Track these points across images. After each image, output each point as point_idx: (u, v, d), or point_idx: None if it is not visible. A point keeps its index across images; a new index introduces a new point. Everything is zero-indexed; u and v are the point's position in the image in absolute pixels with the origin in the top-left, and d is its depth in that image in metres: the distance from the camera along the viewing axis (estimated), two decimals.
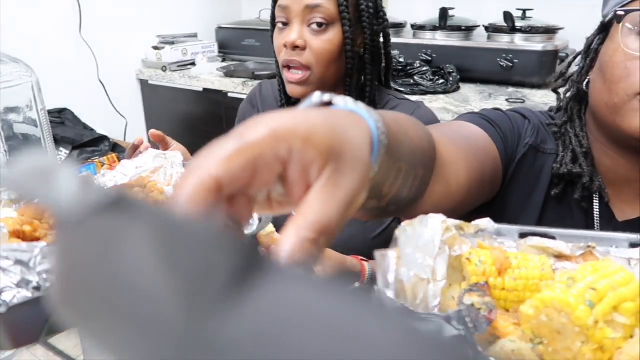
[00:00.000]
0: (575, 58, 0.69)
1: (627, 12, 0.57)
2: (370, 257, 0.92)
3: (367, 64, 0.95)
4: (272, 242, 0.91)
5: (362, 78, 0.96)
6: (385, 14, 0.97)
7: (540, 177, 0.69)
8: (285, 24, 0.90)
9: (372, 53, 0.96)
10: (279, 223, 0.94)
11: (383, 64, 1.00)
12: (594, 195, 0.67)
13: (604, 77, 0.60)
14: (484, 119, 0.67)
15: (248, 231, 0.51)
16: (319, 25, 0.87)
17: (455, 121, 0.70)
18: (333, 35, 0.88)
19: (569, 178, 0.67)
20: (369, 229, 0.94)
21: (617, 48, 0.57)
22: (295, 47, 0.88)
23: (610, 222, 0.66)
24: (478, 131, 0.64)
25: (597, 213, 0.67)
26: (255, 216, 0.53)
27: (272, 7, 0.94)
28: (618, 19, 0.58)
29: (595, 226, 0.67)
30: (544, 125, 0.71)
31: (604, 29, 0.63)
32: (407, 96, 1.05)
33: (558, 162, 0.67)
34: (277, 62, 0.97)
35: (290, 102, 1.01)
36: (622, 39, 0.57)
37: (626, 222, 0.66)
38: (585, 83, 0.66)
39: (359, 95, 0.96)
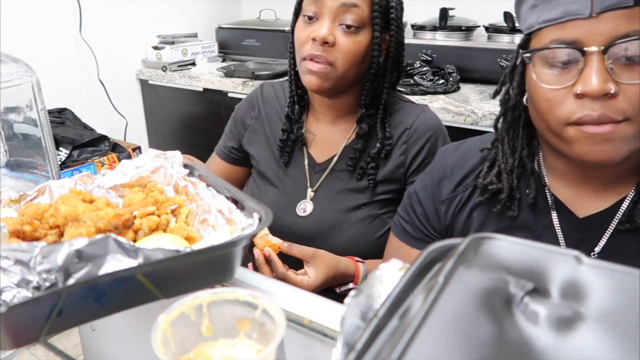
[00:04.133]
0: (502, 84, 0.73)
1: (532, 52, 0.60)
2: (372, 257, 0.92)
3: (388, 72, 0.95)
4: (267, 245, 0.90)
5: (379, 84, 0.95)
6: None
7: (468, 205, 0.75)
8: (312, 18, 0.89)
9: (393, 61, 0.95)
10: (274, 226, 0.94)
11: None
12: (548, 197, 0.69)
13: (534, 106, 0.63)
14: (402, 228, 0.81)
15: (248, 231, 0.51)
16: (348, 27, 0.87)
17: (392, 249, 0.84)
18: (362, 38, 0.88)
19: (494, 191, 0.70)
20: (371, 230, 0.94)
21: (535, 83, 0.60)
22: (324, 43, 0.87)
23: (570, 221, 0.67)
24: (411, 254, 0.77)
25: (555, 215, 0.68)
26: (256, 216, 0.53)
27: None
28: (526, 60, 0.62)
29: (555, 226, 0.68)
30: (466, 155, 0.77)
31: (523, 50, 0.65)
32: (410, 97, 1.06)
33: (482, 177, 0.71)
34: (291, 55, 0.96)
35: (299, 96, 1.00)
36: (536, 75, 0.60)
37: (587, 218, 0.67)
38: (525, 97, 0.68)
39: (372, 100, 0.96)
